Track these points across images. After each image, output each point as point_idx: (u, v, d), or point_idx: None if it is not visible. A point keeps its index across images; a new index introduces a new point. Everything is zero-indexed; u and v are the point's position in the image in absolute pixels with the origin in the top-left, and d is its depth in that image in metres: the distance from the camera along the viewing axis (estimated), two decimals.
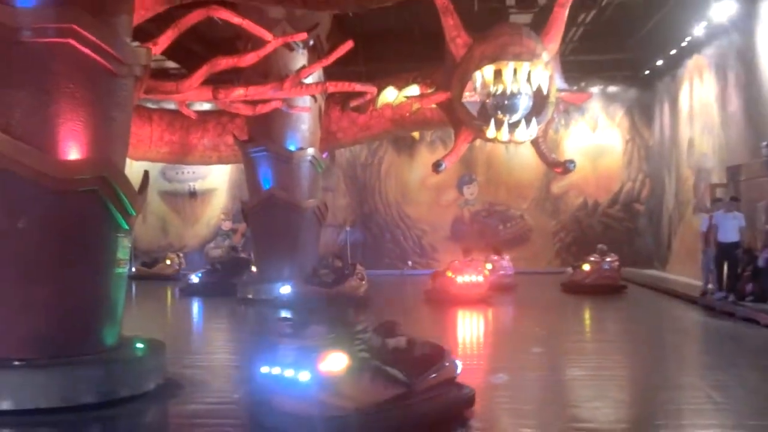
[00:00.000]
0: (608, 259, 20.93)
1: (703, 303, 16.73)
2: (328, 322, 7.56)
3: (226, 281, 21.50)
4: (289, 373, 6.89)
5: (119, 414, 8.19)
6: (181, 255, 28.17)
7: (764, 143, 16.33)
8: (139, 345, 9.49)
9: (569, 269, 21.88)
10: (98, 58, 8.73)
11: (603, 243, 23.23)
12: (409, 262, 27.76)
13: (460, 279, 18.25)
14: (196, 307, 19.40)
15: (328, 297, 17.31)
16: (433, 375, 7.44)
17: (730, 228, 15.85)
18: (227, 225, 29.57)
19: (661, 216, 27.02)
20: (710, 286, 16.82)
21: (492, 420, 7.62)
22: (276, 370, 7.04)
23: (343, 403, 6.66)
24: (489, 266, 20.59)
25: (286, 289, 18.09)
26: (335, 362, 6.82)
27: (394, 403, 6.93)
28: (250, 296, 19.41)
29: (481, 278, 18.56)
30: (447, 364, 7.70)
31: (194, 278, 22.15)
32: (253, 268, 22.34)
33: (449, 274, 18.52)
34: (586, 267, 20.65)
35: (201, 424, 7.92)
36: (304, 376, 6.77)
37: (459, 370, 7.92)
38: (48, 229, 8.60)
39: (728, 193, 18.47)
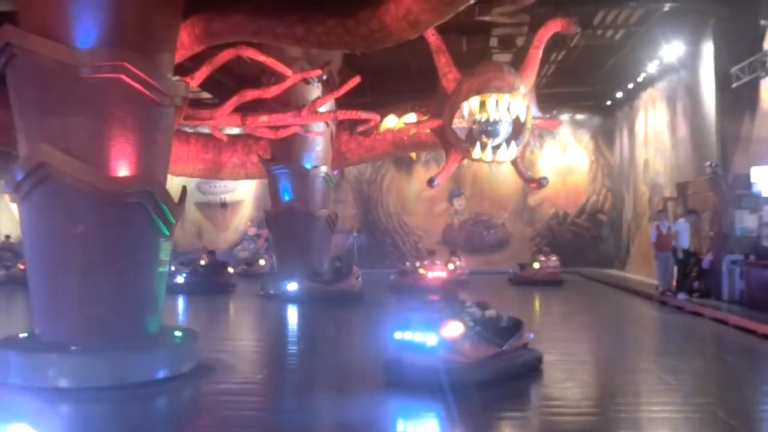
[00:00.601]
0: (552, 258, 21.98)
1: (657, 299, 16.69)
2: (446, 299, 8.51)
3: (206, 281, 21.07)
4: (419, 337, 7.87)
5: (160, 392, 8.21)
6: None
7: (707, 163, 16.32)
8: (177, 333, 9.49)
9: (517, 267, 22.52)
10: (145, 90, 8.76)
11: (571, 247, 23.46)
12: (407, 263, 27.63)
13: (430, 274, 19.73)
14: (223, 300, 19.37)
15: (329, 293, 17.37)
16: (517, 340, 8.64)
17: (688, 236, 15.88)
18: (252, 231, 29.58)
19: (621, 225, 26.98)
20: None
21: (477, 400, 7.58)
22: (408, 335, 7.99)
23: (460, 358, 7.86)
24: (451, 266, 21.92)
25: (292, 286, 17.97)
26: (454, 329, 7.91)
27: (493, 359, 8.15)
28: (271, 292, 19.35)
29: (444, 274, 20.18)
30: (525, 333, 8.91)
31: (179, 279, 21.15)
32: (230, 269, 22.59)
33: (421, 271, 20.06)
34: (536, 265, 21.79)
35: (229, 401, 7.92)
36: (432, 339, 7.80)
37: (531, 338, 9.10)
38: (101, 234, 8.63)
39: (678, 206, 18.48)
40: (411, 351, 7.95)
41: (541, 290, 19.72)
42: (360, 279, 18.48)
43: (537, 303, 17.90)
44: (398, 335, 8.11)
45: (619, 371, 9.32)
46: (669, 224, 16.62)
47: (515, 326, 8.85)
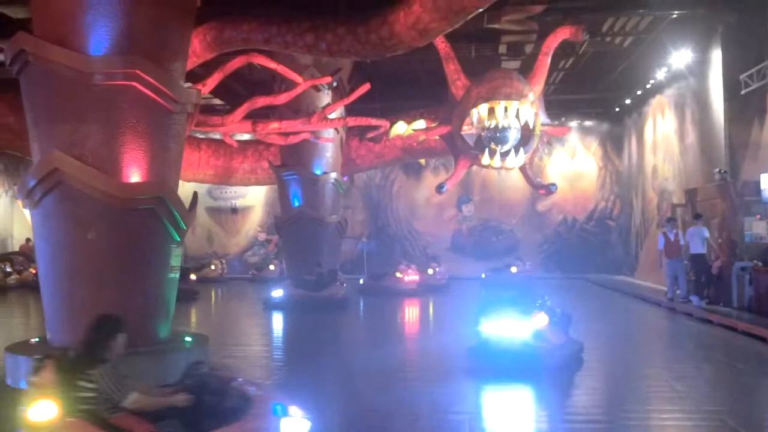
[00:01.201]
0: (528, 264, 23.90)
1: (666, 305, 16.60)
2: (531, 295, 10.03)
3: None
4: (509, 325, 9.03)
5: None
6: (224, 261, 28.20)
7: (716, 170, 16.25)
8: (187, 338, 9.49)
9: (490, 271, 22.67)
10: (157, 98, 8.79)
11: (580, 253, 23.52)
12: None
13: (406, 278, 21.25)
14: (232, 306, 19.37)
15: (313, 300, 17.11)
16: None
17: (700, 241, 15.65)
18: (263, 236, 29.64)
19: (629, 231, 26.90)
20: (678, 291, 16.46)
21: (491, 407, 7.54)
22: (498, 324, 9.08)
23: (544, 344, 9.06)
24: (430, 271, 23.07)
25: (278, 293, 17.72)
26: (542, 320, 9.21)
27: (562, 346, 9.43)
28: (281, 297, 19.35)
29: (417, 278, 21.58)
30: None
31: None
32: (193, 276, 22.03)
33: (398, 274, 21.38)
34: (514, 269, 22.69)
35: None
36: (524, 328, 8.99)
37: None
38: (113, 240, 8.65)
39: (686, 213, 18.38)
40: (501, 338, 9.04)
41: None
42: (345, 284, 18.34)
43: None
44: (487, 325, 9.17)
45: (628, 378, 9.28)
46: (677, 231, 16.47)
47: (568, 318, 10.08)
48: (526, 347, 8.89)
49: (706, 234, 15.62)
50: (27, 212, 10.01)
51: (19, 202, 10.59)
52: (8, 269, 24.32)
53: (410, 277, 21.35)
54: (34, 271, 20.80)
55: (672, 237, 16.20)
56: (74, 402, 4.58)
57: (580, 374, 9.40)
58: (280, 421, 4.91)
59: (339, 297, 17.81)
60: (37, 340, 9.28)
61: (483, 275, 22.72)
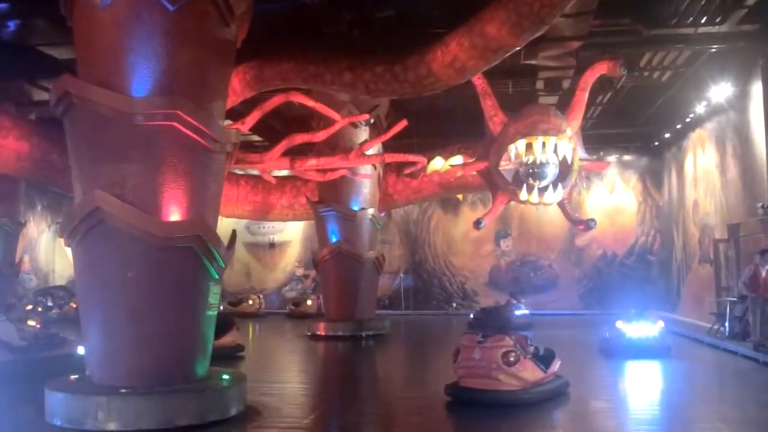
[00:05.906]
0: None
1: (709, 342, 16.20)
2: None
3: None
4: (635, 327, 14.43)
5: None
6: (261, 296, 28.32)
7: (759, 204, 15.94)
8: (225, 376, 9.48)
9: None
10: (197, 137, 8.87)
11: (620, 289, 23.28)
12: (454, 304, 27.48)
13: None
14: (270, 342, 19.35)
15: None
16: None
17: None
18: (300, 271, 29.72)
19: (670, 266, 26.44)
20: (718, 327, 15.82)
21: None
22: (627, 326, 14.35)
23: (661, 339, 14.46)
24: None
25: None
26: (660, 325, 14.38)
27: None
28: (319, 333, 19.34)
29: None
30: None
31: None
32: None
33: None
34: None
35: None
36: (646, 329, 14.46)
37: None
38: (152, 278, 8.70)
39: (729, 248, 17.97)
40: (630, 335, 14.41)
41: None
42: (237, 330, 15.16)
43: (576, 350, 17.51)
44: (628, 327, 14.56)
45: (670, 419, 9.04)
46: None
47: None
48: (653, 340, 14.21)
49: None
50: (69, 250, 10.14)
51: (61, 240, 10.72)
52: (49, 303, 24.62)
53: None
54: (74, 305, 21.03)
55: (764, 273, 14.78)
56: None
57: (623, 416, 9.18)
58: None
59: (232, 345, 14.75)
60: (76, 376, 9.34)
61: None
